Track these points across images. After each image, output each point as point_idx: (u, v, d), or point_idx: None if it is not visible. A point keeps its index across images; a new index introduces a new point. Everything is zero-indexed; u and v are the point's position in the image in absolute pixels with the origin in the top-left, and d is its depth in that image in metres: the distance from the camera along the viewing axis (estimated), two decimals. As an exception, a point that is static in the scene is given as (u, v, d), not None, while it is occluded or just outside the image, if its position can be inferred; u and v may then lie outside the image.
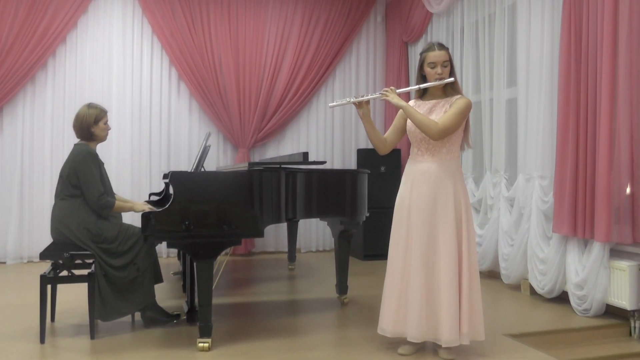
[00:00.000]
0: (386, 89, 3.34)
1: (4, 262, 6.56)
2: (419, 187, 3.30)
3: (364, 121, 3.40)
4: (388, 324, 3.32)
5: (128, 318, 4.01)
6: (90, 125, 3.89)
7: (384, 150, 3.51)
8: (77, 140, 3.98)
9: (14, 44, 6.46)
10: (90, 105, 3.96)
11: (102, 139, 4.00)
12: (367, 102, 3.39)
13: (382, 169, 6.92)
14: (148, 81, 7.10)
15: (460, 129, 3.31)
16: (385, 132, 3.61)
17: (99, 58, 6.93)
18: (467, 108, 3.26)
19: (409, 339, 3.25)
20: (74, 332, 3.80)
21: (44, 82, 6.77)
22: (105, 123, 3.97)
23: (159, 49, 7.15)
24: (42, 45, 6.58)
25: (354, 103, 3.38)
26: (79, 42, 6.87)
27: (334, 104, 3.44)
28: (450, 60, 3.33)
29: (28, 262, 6.64)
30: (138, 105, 7.04)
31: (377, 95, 3.36)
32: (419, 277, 3.21)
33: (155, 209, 3.72)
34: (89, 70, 6.88)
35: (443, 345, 3.20)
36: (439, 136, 3.21)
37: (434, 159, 3.31)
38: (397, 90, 3.35)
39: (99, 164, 3.90)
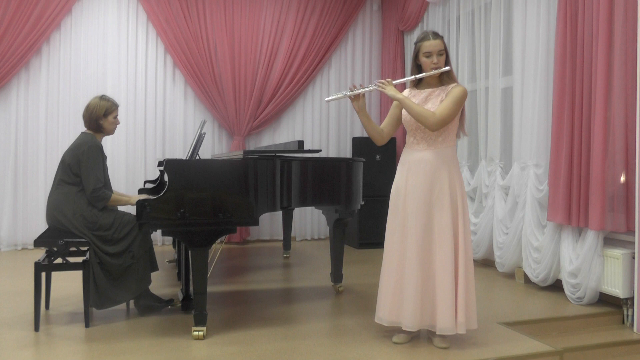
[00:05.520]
0: (382, 80, 3.32)
1: (-2, 250, 6.55)
2: (414, 176, 3.30)
3: (360, 114, 3.38)
4: (384, 312, 3.33)
5: (123, 306, 4.02)
6: (99, 118, 3.89)
7: (381, 141, 3.51)
8: (84, 129, 3.97)
9: (8, 29, 6.41)
10: (102, 98, 3.95)
11: (110, 132, 3.99)
12: (363, 95, 3.36)
13: (378, 157, 6.92)
14: (143, 68, 7.07)
15: (456, 117, 3.32)
16: (381, 122, 3.59)
17: (94, 44, 6.89)
18: (463, 96, 3.26)
19: (404, 328, 3.26)
20: (69, 319, 3.80)
21: (38, 68, 6.73)
22: (115, 117, 3.97)
23: (154, 36, 7.11)
24: (36, 31, 6.53)
25: (350, 97, 3.35)
26: (73, 28, 6.82)
27: (330, 98, 3.38)
28: (446, 49, 3.32)
29: (22, 249, 6.63)
30: (133, 92, 7.01)
31: (373, 87, 3.34)
32: (415, 265, 3.21)
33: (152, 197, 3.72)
34: (84, 57, 6.84)
35: (438, 332, 3.21)
36: (437, 127, 3.20)
37: (429, 147, 3.31)
38: (394, 82, 3.34)
39: (103, 157, 3.89)
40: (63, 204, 3.73)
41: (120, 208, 4.18)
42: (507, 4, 5.35)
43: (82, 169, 3.74)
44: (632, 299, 3.93)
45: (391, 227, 3.39)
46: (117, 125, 4.06)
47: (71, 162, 3.77)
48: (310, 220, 7.74)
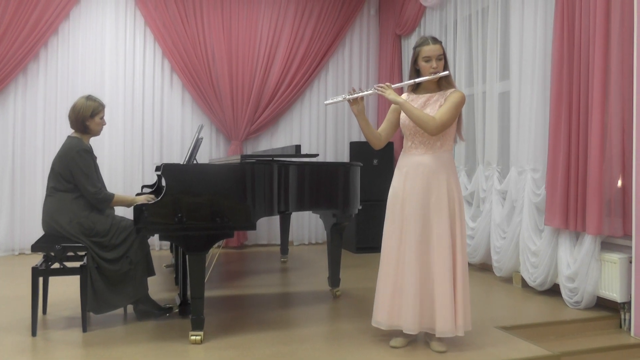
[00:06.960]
0: (382, 84, 3.33)
1: (-5, 255, 6.53)
2: (412, 180, 3.31)
3: (359, 118, 3.39)
4: (383, 316, 3.33)
5: (120, 311, 4.01)
6: (85, 119, 3.83)
7: (379, 145, 3.51)
8: (71, 131, 3.93)
9: (5, 33, 6.41)
10: (89, 98, 3.89)
11: (96, 133, 3.94)
12: (362, 98, 3.38)
13: (375, 161, 6.93)
14: (141, 73, 7.07)
15: (454, 122, 3.33)
16: (378, 126, 3.61)
17: (92, 49, 6.89)
18: (462, 101, 3.29)
19: (405, 331, 3.25)
20: (66, 324, 3.79)
21: (36, 73, 6.72)
22: (102, 118, 3.91)
23: (152, 41, 7.11)
24: (34, 36, 6.53)
25: (349, 100, 3.36)
26: (71, 33, 6.83)
27: (329, 101, 3.42)
28: (444, 54, 3.34)
29: (19, 254, 6.62)
30: (131, 97, 7.01)
31: (372, 91, 3.35)
32: (414, 269, 3.22)
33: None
34: (82, 62, 6.84)
35: (437, 335, 3.21)
36: (437, 131, 3.22)
37: (427, 151, 3.32)
38: (392, 86, 3.35)
39: (93, 158, 3.86)
40: (57, 212, 3.70)
41: (119, 212, 4.17)
42: (504, 9, 5.37)
43: (75, 176, 3.71)
44: (629, 303, 3.93)
45: (389, 231, 3.39)
46: (105, 127, 3.99)
47: (61, 170, 3.73)
48: (308, 225, 7.73)
